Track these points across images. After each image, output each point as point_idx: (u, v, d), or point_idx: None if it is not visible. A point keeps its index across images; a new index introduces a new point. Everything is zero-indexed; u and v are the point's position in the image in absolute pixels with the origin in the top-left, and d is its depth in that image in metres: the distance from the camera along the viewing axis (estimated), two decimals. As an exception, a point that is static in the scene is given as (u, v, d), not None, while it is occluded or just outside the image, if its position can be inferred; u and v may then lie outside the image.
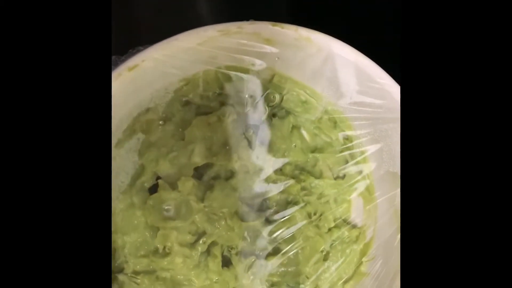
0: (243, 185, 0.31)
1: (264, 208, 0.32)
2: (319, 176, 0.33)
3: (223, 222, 0.30)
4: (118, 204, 0.29)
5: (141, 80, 0.24)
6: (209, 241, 0.30)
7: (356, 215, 0.33)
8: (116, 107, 0.24)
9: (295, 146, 0.32)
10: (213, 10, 0.38)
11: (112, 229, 0.29)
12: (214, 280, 0.30)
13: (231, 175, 0.31)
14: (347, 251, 0.32)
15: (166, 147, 0.30)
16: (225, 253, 0.31)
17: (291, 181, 0.32)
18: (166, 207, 0.29)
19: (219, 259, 0.30)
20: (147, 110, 0.29)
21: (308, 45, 0.27)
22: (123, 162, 0.28)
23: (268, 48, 0.26)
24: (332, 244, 0.33)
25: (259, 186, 0.32)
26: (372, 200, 0.32)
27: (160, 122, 0.29)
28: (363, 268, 0.32)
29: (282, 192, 0.32)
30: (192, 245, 0.30)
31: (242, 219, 0.31)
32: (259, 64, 0.28)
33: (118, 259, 0.30)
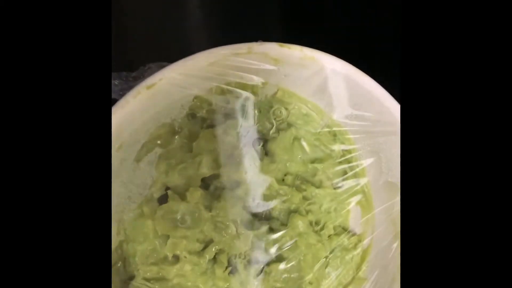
0: (248, 195, 0.33)
1: (268, 217, 0.34)
2: (319, 185, 0.35)
3: (229, 231, 0.31)
4: (128, 214, 0.30)
5: (158, 97, 0.25)
6: (216, 249, 0.31)
7: (354, 223, 0.35)
8: (135, 123, 0.26)
9: (300, 157, 0.33)
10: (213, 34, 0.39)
11: (123, 238, 0.30)
12: (220, 287, 0.31)
13: (236, 185, 0.33)
14: (347, 257, 0.34)
15: (175, 159, 0.31)
16: (232, 260, 0.32)
17: (293, 191, 0.33)
18: (175, 217, 0.30)
19: (226, 266, 0.31)
20: (163, 125, 0.30)
21: (312, 64, 0.29)
22: (143, 175, 0.29)
23: (275, 67, 0.28)
24: (332, 251, 0.34)
25: (263, 196, 0.33)
26: (371, 210, 0.33)
27: (176, 137, 0.30)
28: (362, 274, 0.33)
29: (284, 201, 0.33)
30: (200, 252, 0.31)
31: (247, 227, 0.32)
32: (265, 81, 0.29)
33: (128, 267, 0.31)
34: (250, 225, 0.33)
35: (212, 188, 0.33)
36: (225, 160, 0.32)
